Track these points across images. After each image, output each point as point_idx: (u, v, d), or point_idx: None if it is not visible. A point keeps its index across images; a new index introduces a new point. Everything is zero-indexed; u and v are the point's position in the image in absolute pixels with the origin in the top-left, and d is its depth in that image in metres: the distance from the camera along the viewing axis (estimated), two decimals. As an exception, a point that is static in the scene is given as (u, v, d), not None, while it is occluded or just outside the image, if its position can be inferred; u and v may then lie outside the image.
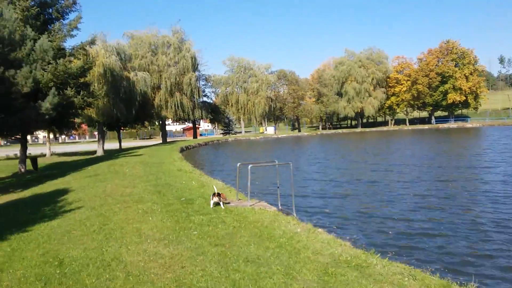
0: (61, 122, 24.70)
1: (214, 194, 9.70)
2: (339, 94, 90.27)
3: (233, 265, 5.66)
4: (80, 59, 27.65)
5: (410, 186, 14.89)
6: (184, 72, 58.62)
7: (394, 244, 8.37)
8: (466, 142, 39.22)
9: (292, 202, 10.50)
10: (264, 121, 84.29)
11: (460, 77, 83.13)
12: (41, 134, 74.67)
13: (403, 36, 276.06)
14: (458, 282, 5.37)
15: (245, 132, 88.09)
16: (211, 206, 9.49)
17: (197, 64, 62.39)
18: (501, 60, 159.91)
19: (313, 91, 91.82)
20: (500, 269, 6.94)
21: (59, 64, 22.32)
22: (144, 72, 44.36)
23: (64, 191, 13.20)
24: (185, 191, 12.19)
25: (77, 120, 33.05)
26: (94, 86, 32.79)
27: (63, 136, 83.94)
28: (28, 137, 79.07)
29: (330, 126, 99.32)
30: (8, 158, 35.89)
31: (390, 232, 9.17)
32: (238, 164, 10.79)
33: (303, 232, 7.58)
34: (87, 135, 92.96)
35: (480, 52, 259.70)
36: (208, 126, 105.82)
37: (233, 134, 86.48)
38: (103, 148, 39.15)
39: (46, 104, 17.89)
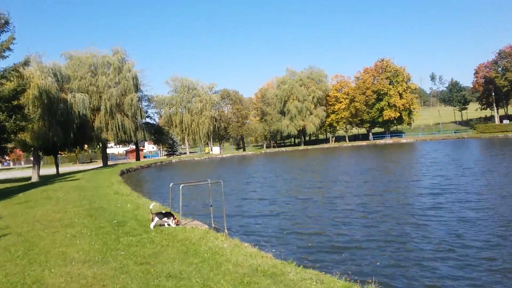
0: (-9, 147, 23.63)
1: (157, 214, 9.84)
2: (282, 113, 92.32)
3: (155, 281, 5.89)
4: (13, 81, 26.75)
5: (337, 202, 15.65)
6: (126, 92, 57.73)
7: (314, 255, 8.95)
8: (397, 156, 41.60)
9: (223, 219, 10.83)
10: (210, 141, 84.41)
11: (394, 94, 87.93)
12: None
13: (341, 54, 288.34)
14: (360, 283, 5.92)
15: (191, 152, 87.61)
16: (152, 226, 9.57)
17: (139, 85, 61.66)
18: (432, 77, 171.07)
19: (257, 110, 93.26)
20: (401, 274, 7.65)
21: (-11, 87, 21.55)
22: (82, 94, 43.19)
23: (-9, 219, 12.70)
24: (118, 214, 12.17)
25: (9, 145, 31.63)
26: (29, 109, 31.66)
27: (-5, 163, 79.37)
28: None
29: (275, 144, 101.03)
30: None
31: (309, 244, 9.76)
32: (171, 184, 11.02)
33: (229, 247, 7.92)
34: (22, 160, 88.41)
35: (413, 69, 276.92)
36: (153, 147, 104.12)
37: (178, 155, 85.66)
38: (38, 174, 37.46)
39: (-28, 129, 17.16)
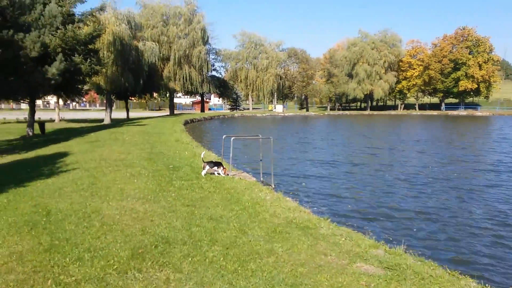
0: (68, 88, 25.47)
1: (208, 163, 10.45)
2: (350, 76, 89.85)
3: (197, 221, 6.43)
4: (89, 25, 28.19)
5: (388, 170, 15.46)
6: (194, 44, 58.75)
7: (353, 218, 9.08)
8: (466, 129, 39.47)
9: (271, 174, 11.24)
10: (274, 98, 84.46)
11: (473, 64, 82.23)
12: (52, 100, 75.70)
13: (419, 20, 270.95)
14: (389, 244, 6.09)
15: (254, 109, 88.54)
16: (203, 173, 10.20)
17: (208, 37, 62.46)
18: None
19: (323, 71, 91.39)
20: (434, 244, 7.66)
21: (68, 30, 22.89)
22: (152, 43, 44.73)
23: (64, 154, 14.08)
24: (175, 159, 12.98)
25: (84, 87, 33.88)
26: (103, 53, 33.43)
27: (73, 103, 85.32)
28: (40, 102, 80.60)
29: (339, 107, 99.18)
30: (18, 122, 37.04)
31: (349, 207, 9.91)
32: (224, 136, 11.52)
33: (270, 200, 8.32)
34: (97, 103, 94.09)
35: (496, 40, 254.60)
36: (218, 101, 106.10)
37: (241, 110, 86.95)
38: (110, 116, 40.05)
39: (53, 70, 18.64)
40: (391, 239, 7.34)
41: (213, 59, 70.97)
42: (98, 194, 8.08)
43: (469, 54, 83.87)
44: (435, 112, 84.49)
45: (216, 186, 9.13)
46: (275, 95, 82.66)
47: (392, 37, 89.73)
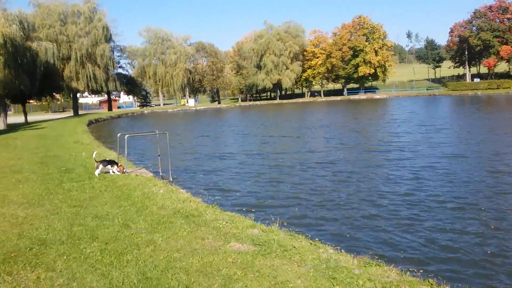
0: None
1: (101, 161, 10.29)
2: (258, 67, 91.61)
3: (81, 221, 6.41)
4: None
5: (282, 157, 16.16)
6: (97, 42, 56.15)
7: (247, 203, 9.58)
8: (361, 112, 42.53)
9: (168, 168, 11.37)
10: (185, 93, 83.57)
11: (370, 51, 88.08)
12: None
13: (319, 10, 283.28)
14: (264, 223, 6.60)
15: (166, 104, 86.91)
16: (96, 173, 10.02)
17: (111, 35, 59.99)
18: (409, 35, 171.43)
19: (233, 64, 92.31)
20: (309, 219, 8.40)
21: None
22: (49, 43, 41.98)
23: None
24: (70, 161, 12.58)
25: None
26: (-7, 57, 30.82)
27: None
28: None
29: (251, 98, 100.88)
30: None
31: (237, 194, 10.40)
32: (119, 134, 11.40)
33: (163, 193, 8.48)
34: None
35: (390, 27, 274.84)
36: (128, 98, 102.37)
37: (151, 106, 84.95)
38: (5, 122, 37.00)
39: None
40: (278, 220, 7.86)
41: (118, 56, 68.49)
42: (-24, 204, 7.65)
43: (366, 41, 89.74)
44: (338, 98, 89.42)
45: (108, 185, 9.07)
46: (187, 90, 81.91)
47: (295, 28, 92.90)
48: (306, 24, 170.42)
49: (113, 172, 10.33)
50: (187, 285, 4.15)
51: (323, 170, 12.91)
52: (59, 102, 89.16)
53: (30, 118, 48.82)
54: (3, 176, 10.28)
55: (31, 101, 53.42)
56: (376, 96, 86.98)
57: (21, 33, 35.34)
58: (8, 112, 48.04)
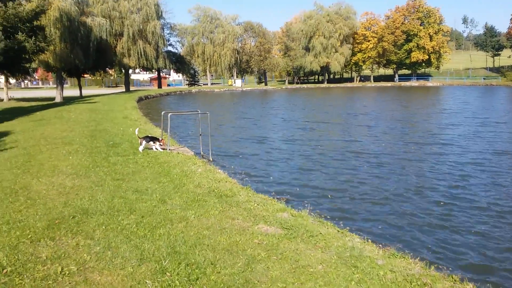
0: (13, 67, 24.67)
1: (144, 138, 10.72)
2: (307, 49, 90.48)
3: (121, 193, 6.78)
4: (32, 1, 27.15)
5: (325, 144, 16.17)
6: (148, 19, 57.49)
7: (278, 186, 9.70)
8: (411, 99, 41.15)
9: (209, 148, 11.67)
10: (233, 73, 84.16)
11: (424, 36, 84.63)
12: (1, 79, 72.38)
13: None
14: (296, 208, 6.70)
15: (213, 84, 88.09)
16: (140, 149, 10.47)
17: (162, 12, 61.21)
18: (464, 20, 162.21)
19: (281, 45, 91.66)
20: (343, 207, 8.39)
21: (9, 8, 22.10)
22: (102, 18, 43.46)
23: (5, 134, 13.90)
24: (118, 136, 13.14)
25: (32, 65, 32.82)
26: (50, 30, 32.32)
27: (25, 81, 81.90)
28: (-14, 81, 76.58)
29: (298, 80, 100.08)
30: (-39, 102, 35.49)
31: (272, 178, 10.49)
32: (163, 112, 11.78)
33: (201, 172, 8.75)
34: (50, 81, 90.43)
35: (447, 11, 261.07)
36: (178, 76, 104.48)
37: (199, 85, 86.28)
38: (61, 94, 38.96)
39: (-9, 49, 18.06)
40: (309, 207, 7.94)
41: (168, 34, 69.80)
42: (30, 171, 8.24)
43: (420, 25, 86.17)
44: (388, 84, 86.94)
45: (150, 161, 9.46)
46: (234, 70, 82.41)
47: (346, 9, 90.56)
48: (358, 5, 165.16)
49: (156, 148, 10.73)
50: (212, 261, 4.35)
51: (362, 161, 12.70)
52: (112, 77, 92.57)
53: (85, 92, 51.12)
54: (55, 147, 10.94)
55: (85, 75, 55.64)
56: (429, 83, 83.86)
57: (76, 8, 36.79)
58: (64, 85, 50.51)
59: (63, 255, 4.45)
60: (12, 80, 55.54)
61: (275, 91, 69.56)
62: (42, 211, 5.85)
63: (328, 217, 6.86)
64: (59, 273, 4.01)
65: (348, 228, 6.09)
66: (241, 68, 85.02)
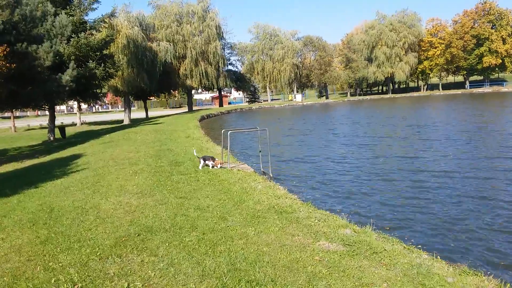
0: (84, 93, 26.47)
1: (203, 158, 11.02)
2: (369, 60, 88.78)
3: (184, 211, 6.94)
4: (101, 31, 29.11)
5: (382, 160, 15.60)
6: (209, 41, 59.42)
7: (339, 203, 9.42)
8: (485, 107, 38.68)
9: (269, 164, 11.67)
10: (294, 88, 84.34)
11: (496, 39, 79.86)
12: (75, 105, 77.99)
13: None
14: (358, 224, 6.46)
15: (273, 99, 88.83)
16: (200, 167, 10.76)
17: (222, 33, 63.04)
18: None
19: (342, 57, 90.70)
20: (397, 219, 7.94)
21: (81, 38, 23.85)
22: (167, 43, 45.73)
23: (78, 156, 14.89)
24: (180, 155, 13.56)
25: (102, 90, 35.06)
26: (118, 56, 34.43)
27: (96, 106, 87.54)
28: (63, 107, 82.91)
29: (360, 92, 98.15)
30: (42, 127, 38.55)
31: (334, 194, 10.18)
32: (223, 130, 12.00)
33: (261, 188, 8.76)
34: (119, 104, 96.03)
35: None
36: (238, 94, 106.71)
37: (259, 102, 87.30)
38: (129, 117, 41.21)
39: (66, 77, 19.50)
40: (373, 222, 7.64)
41: (228, 53, 71.74)
42: (99, 191, 8.70)
43: (492, 28, 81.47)
44: (459, 91, 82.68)
45: (211, 178, 9.63)
46: (294, 85, 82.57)
47: (410, 17, 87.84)
48: (423, 12, 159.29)
49: (212, 166, 10.93)
50: (272, 278, 4.29)
51: (429, 176, 11.89)
52: (176, 98, 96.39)
53: (151, 113, 53.69)
54: (123, 167, 11.49)
55: (151, 97, 58.43)
56: (504, 89, 78.55)
57: (142, 35, 39.00)
58: (132, 108, 53.33)
59: (129, 271, 4.61)
60: (84, 105, 59.60)
61: (337, 104, 68.64)
62: (110, 229, 6.12)
63: (393, 233, 6.54)
64: (125, 289, 4.15)
65: (414, 245, 5.76)
66: (301, 83, 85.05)
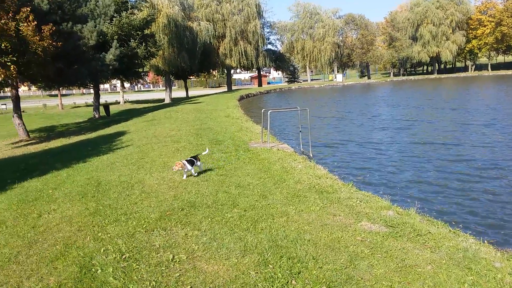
0: (127, 72, 27.10)
1: (187, 161, 7.82)
2: (414, 38, 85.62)
3: (225, 188, 7.05)
4: (143, 10, 29.53)
5: (426, 142, 15.10)
6: (249, 19, 59.04)
7: (381, 184, 9.26)
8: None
9: (309, 144, 11.61)
10: (334, 68, 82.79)
11: (552, 16, 74.96)
12: (118, 83, 79.99)
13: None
14: (401, 206, 6.34)
15: (313, 80, 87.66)
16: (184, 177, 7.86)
17: (262, 11, 62.40)
18: None
19: (385, 36, 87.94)
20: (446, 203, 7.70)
21: (123, 17, 24.31)
22: (207, 22, 45.72)
23: (122, 133, 15.36)
24: (220, 134, 13.71)
25: (144, 69, 35.76)
26: (159, 36, 34.90)
27: (138, 85, 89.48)
28: (107, 86, 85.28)
29: (404, 72, 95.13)
30: (87, 105, 39.93)
31: (376, 175, 10.00)
32: (263, 110, 12.00)
33: (302, 168, 8.74)
34: (160, 83, 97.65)
35: None
36: (278, 74, 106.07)
37: (299, 82, 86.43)
38: (170, 96, 41.92)
39: (110, 56, 20.03)
40: (417, 205, 7.48)
41: (267, 32, 71.16)
42: (143, 167, 8.96)
43: (547, 4, 76.48)
44: (509, 71, 78.56)
45: (251, 157, 9.69)
46: (335, 65, 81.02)
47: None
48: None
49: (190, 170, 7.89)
50: (314, 256, 4.31)
51: (480, 163, 11.45)
52: (215, 78, 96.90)
53: (190, 92, 54.35)
54: (165, 145, 11.76)
55: (191, 77, 59.04)
56: (558, 68, 73.89)
57: (182, 14, 39.15)
58: (172, 87, 54.16)
59: (173, 244, 4.76)
60: (127, 84, 61.05)
61: (379, 85, 66.94)
62: (155, 203, 6.32)
63: (439, 218, 6.38)
64: (170, 260, 4.31)
65: (460, 229, 5.61)
66: (342, 62, 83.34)
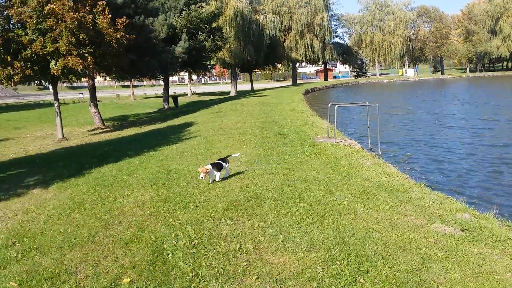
0: (195, 64, 27.85)
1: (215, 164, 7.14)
2: (493, 32, 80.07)
3: (290, 182, 7.02)
4: (210, 4, 30.12)
5: (502, 143, 14.04)
6: (316, 12, 58.26)
7: (456, 185, 8.76)
8: None
9: (377, 141, 11.26)
10: (405, 62, 79.61)
11: None
12: (186, 76, 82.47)
13: None
14: (478, 209, 5.96)
15: (382, 74, 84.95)
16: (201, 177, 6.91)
17: (329, 3, 61.33)
18: None
19: (461, 29, 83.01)
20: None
21: (192, 11, 24.96)
22: (273, 15, 45.72)
23: (190, 124, 15.85)
24: (286, 127, 13.69)
25: (211, 62, 36.60)
26: (226, 29, 35.46)
27: (205, 78, 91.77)
28: (175, 78, 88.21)
29: (482, 68, 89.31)
30: (157, 96, 41.65)
31: (451, 176, 9.45)
32: (329, 104, 11.82)
33: (370, 165, 8.51)
34: (226, 76, 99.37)
35: None
36: (344, 68, 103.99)
37: (367, 76, 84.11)
38: (235, 88, 42.55)
39: (179, 48, 20.69)
40: (495, 208, 7.01)
41: (335, 25, 69.80)
42: (211, 158, 9.15)
43: None
44: None
45: (317, 152, 9.57)
46: (405, 59, 77.85)
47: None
48: None
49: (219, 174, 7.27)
50: (383, 256, 4.17)
51: None
52: (280, 71, 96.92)
53: (256, 86, 54.80)
54: (231, 137, 11.96)
55: (256, 70, 59.47)
56: None
57: (249, 7, 39.40)
58: (238, 80, 54.92)
59: (240, 234, 4.83)
60: (194, 77, 62.83)
61: (454, 80, 63.45)
62: (222, 193, 6.44)
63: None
64: (237, 249, 4.38)
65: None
66: (414, 57, 79.89)
